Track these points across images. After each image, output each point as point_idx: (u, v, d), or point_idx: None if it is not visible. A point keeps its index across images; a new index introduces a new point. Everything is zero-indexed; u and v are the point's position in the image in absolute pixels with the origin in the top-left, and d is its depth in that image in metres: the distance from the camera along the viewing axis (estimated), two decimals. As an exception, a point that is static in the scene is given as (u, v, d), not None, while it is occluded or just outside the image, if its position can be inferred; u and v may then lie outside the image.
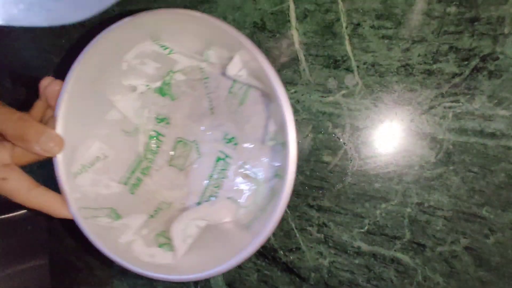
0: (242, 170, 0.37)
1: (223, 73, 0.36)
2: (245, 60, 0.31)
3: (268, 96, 0.34)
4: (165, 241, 0.33)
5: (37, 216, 0.42)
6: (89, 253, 0.45)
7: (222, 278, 0.41)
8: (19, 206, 0.41)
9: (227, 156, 0.37)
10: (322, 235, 0.37)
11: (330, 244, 0.37)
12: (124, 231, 0.32)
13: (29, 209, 0.42)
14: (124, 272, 0.44)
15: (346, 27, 0.35)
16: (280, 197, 0.27)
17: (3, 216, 0.41)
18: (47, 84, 0.30)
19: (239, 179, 0.37)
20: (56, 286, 0.44)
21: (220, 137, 0.38)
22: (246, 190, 0.36)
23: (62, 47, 0.45)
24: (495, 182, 0.33)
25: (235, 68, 0.32)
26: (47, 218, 0.43)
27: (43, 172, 0.45)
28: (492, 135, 0.32)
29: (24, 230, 0.41)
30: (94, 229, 0.30)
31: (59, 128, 0.30)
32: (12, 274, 0.40)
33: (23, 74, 0.47)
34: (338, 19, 0.35)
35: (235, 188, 0.37)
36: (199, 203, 0.37)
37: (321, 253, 0.37)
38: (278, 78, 0.27)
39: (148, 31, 0.32)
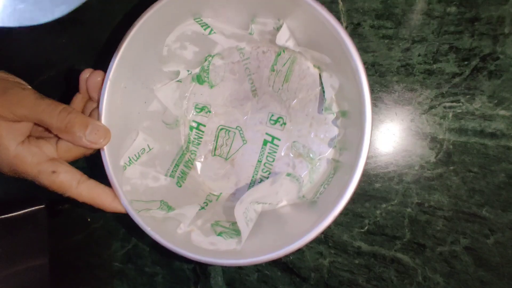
0: (293, 149, 0.36)
1: (264, 51, 0.36)
2: (292, 28, 0.31)
3: (318, 67, 0.34)
4: (221, 229, 0.32)
5: (37, 216, 0.42)
6: (89, 253, 0.45)
7: (222, 278, 0.41)
8: (19, 206, 0.41)
9: (274, 138, 0.37)
10: (322, 235, 0.37)
11: (330, 244, 0.37)
12: (180, 221, 0.32)
13: (28, 209, 0.42)
14: (124, 272, 0.44)
15: (346, 27, 0.35)
16: (356, 165, 0.26)
17: (2, 216, 0.40)
18: (87, 75, 0.29)
19: (290, 160, 0.36)
20: (56, 286, 0.44)
21: (265, 119, 0.37)
22: (300, 169, 0.36)
23: (62, 46, 0.45)
24: (495, 182, 0.33)
25: (284, 37, 0.31)
26: (47, 218, 0.42)
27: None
28: (492, 135, 0.32)
29: (23, 230, 0.41)
30: (148, 222, 0.30)
31: (104, 119, 0.30)
32: (11, 274, 0.40)
33: (22, 74, 0.46)
34: (338, 19, 0.35)
35: (287, 170, 0.36)
36: None
37: (321, 253, 0.37)
38: (346, 32, 0.27)
39: (191, 7, 0.31)
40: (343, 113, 0.33)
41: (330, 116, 0.34)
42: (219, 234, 0.31)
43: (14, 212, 0.41)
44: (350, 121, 0.31)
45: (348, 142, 0.31)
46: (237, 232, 0.31)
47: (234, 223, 0.33)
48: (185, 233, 0.31)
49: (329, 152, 0.35)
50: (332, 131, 0.35)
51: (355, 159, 0.27)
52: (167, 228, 0.31)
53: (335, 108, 0.34)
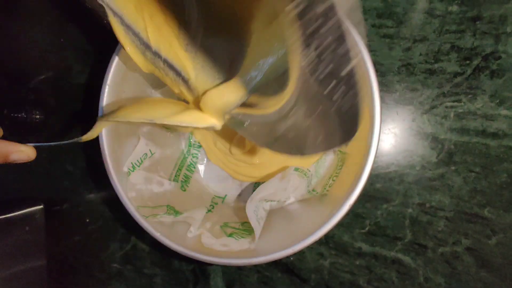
0: None
1: None
2: None
3: None
4: (232, 230, 0.32)
5: (35, 217, 0.42)
6: (87, 254, 0.45)
7: (221, 279, 0.40)
8: (16, 207, 0.41)
9: None
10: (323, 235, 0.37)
11: (331, 245, 0.37)
12: (190, 223, 0.32)
13: (25, 210, 0.41)
14: (122, 273, 0.44)
15: (347, 26, 0.35)
16: (368, 151, 0.27)
17: (0, 217, 0.40)
18: None
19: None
20: (54, 287, 0.44)
21: None
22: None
23: (60, 46, 0.44)
24: (497, 182, 0.32)
25: None
26: (45, 218, 0.42)
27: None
28: (494, 135, 0.32)
29: (21, 231, 0.41)
30: (157, 227, 0.30)
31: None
32: (9, 275, 0.40)
33: (19, 74, 0.46)
34: (339, 18, 0.35)
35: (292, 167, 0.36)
36: (253, 192, 0.37)
37: (321, 254, 0.37)
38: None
39: None
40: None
41: None
42: (230, 235, 0.31)
43: (12, 212, 0.40)
44: None
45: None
46: (247, 232, 0.31)
47: (244, 223, 0.32)
48: (196, 237, 0.31)
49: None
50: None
51: (365, 146, 0.27)
52: (177, 233, 0.31)
53: None
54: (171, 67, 0.27)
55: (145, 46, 0.27)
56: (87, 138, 0.29)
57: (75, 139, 0.29)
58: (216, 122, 0.27)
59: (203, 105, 0.26)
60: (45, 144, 0.28)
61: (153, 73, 0.28)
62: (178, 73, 0.27)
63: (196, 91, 0.27)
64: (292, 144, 0.23)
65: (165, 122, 0.27)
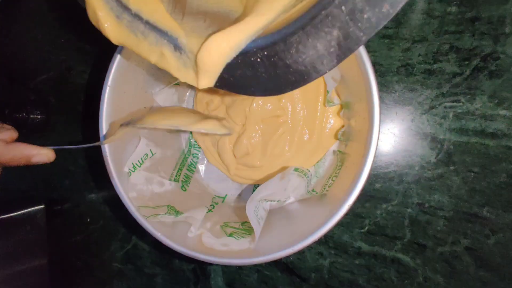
0: None
1: None
2: None
3: None
4: (232, 230, 0.32)
5: (36, 216, 0.42)
6: (88, 253, 0.45)
7: (222, 278, 0.41)
8: (18, 207, 0.41)
9: None
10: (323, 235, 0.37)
11: (331, 245, 0.37)
12: (190, 223, 0.32)
13: (27, 209, 0.41)
14: (123, 273, 0.44)
15: (347, 27, 0.35)
16: (368, 152, 0.27)
17: (1, 217, 0.40)
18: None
19: None
20: (55, 286, 0.44)
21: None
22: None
23: (60, 46, 0.45)
24: (496, 182, 0.33)
25: None
26: (46, 218, 0.42)
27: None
28: (493, 135, 0.32)
29: (22, 230, 0.41)
30: (158, 227, 0.30)
31: (105, 127, 0.30)
32: (10, 275, 0.40)
33: (20, 74, 0.46)
34: (338, 19, 0.35)
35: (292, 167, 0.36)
36: (253, 192, 0.37)
37: (321, 254, 0.37)
38: None
39: None
40: (346, 105, 0.33)
41: (332, 108, 0.34)
42: (230, 235, 0.31)
43: (13, 212, 0.41)
44: (354, 111, 0.31)
45: (354, 133, 0.31)
46: (247, 232, 0.31)
47: (244, 223, 0.33)
48: (196, 237, 0.31)
49: (334, 145, 0.35)
50: (335, 123, 0.34)
51: (364, 146, 0.27)
52: (177, 233, 0.31)
53: (337, 100, 0.33)
54: (153, 28, 0.25)
55: (123, 8, 0.25)
56: (107, 142, 0.30)
57: (95, 143, 0.29)
58: (232, 128, 0.29)
59: (203, 54, 0.23)
60: (64, 147, 0.29)
61: (123, 45, 0.26)
62: (162, 33, 0.25)
63: (188, 47, 0.25)
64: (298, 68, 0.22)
65: (189, 129, 0.30)
